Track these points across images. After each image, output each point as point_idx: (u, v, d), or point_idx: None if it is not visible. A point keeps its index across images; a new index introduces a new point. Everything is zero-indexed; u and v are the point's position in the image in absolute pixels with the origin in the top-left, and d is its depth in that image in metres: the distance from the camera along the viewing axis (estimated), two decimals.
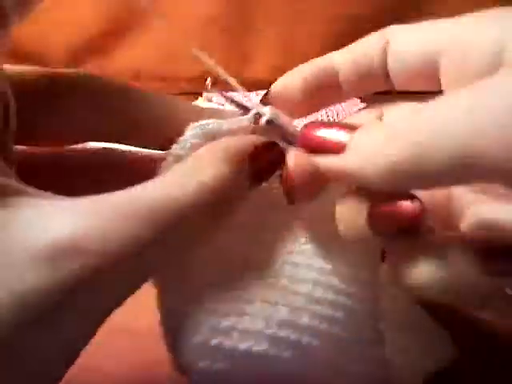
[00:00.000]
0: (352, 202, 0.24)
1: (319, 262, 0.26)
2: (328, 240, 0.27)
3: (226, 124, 0.27)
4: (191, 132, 0.26)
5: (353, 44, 0.29)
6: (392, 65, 0.27)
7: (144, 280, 0.21)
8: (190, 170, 0.23)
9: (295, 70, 0.29)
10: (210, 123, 0.26)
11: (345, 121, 0.29)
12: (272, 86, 0.29)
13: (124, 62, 0.83)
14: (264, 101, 0.29)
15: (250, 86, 0.77)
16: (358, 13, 0.74)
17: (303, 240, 0.27)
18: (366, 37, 0.29)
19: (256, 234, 0.27)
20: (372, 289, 0.27)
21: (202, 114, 0.29)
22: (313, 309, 0.25)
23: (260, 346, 0.24)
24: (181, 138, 0.26)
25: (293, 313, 0.25)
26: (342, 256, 0.27)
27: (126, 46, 0.78)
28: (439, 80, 0.26)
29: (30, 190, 0.20)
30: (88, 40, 0.76)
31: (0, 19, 0.22)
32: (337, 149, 0.23)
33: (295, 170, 0.25)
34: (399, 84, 0.28)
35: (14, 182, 0.20)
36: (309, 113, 0.30)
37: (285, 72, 0.29)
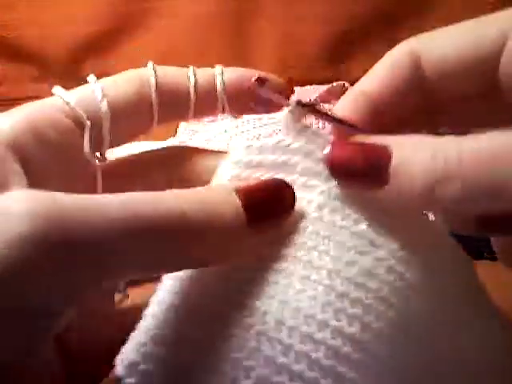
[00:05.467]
0: None
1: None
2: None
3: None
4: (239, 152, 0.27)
5: (373, 70, 0.29)
6: (436, 76, 0.27)
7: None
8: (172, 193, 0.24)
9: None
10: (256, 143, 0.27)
11: None
12: None
13: (124, 62, 0.83)
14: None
15: None
16: (356, 13, 0.74)
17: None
18: (383, 60, 0.29)
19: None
20: None
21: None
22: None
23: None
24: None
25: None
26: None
27: (126, 46, 0.78)
28: (495, 76, 0.26)
29: None
30: (88, 40, 0.76)
31: None
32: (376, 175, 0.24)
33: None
34: (445, 92, 0.28)
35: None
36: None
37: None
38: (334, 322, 0.23)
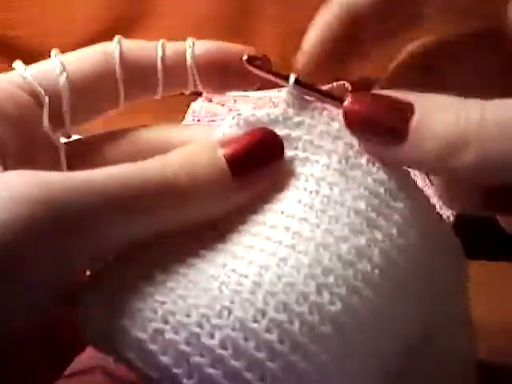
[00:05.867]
0: None
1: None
2: None
3: (258, 113, 0.26)
4: (227, 122, 0.26)
5: None
6: None
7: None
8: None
9: (310, 36, 0.26)
10: (245, 113, 0.26)
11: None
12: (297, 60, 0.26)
13: None
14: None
15: None
16: None
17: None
18: None
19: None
20: None
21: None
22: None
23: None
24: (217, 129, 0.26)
25: None
26: None
27: None
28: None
29: None
30: (89, 40, 0.76)
31: None
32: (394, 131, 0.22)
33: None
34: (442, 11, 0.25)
35: None
36: (336, 80, 0.28)
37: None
38: (314, 297, 0.21)
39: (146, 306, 0.22)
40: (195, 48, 0.28)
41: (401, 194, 0.24)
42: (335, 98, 0.25)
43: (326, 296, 0.22)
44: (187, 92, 0.29)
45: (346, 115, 0.24)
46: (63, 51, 0.30)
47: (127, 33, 0.86)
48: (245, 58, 0.26)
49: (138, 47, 0.28)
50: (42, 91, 0.26)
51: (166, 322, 0.22)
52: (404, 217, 0.24)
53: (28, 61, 0.26)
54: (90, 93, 0.27)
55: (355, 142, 0.25)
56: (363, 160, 0.25)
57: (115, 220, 0.21)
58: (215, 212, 0.24)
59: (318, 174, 0.25)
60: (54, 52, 0.28)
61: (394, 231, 0.24)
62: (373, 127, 0.23)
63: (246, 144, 0.24)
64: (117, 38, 0.28)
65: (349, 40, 0.25)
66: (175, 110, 0.65)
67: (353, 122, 0.24)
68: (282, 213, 0.24)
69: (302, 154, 0.25)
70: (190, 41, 0.28)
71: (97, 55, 0.28)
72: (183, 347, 0.21)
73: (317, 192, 0.24)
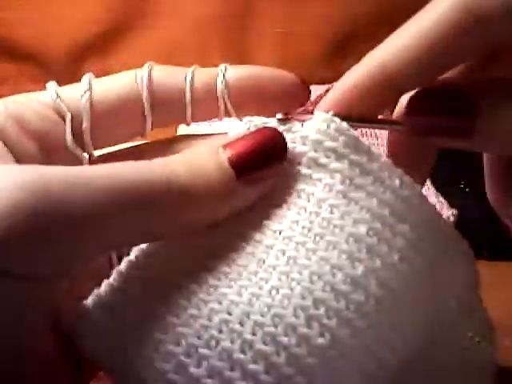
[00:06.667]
0: None
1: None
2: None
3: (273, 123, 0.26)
4: (238, 128, 0.26)
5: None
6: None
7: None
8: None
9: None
10: (256, 120, 0.25)
11: None
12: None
13: (124, 62, 0.82)
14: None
15: None
16: (357, 13, 0.74)
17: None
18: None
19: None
20: None
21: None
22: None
23: None
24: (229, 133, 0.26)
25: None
26: None
27: (127, 46, 0.77)
28: None
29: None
30: (88, 40, 0.76)
31: None
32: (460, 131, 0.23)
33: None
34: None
35: None
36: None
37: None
38: (303, 329, 0.21)
39: (137, 334, 0.22)
40: (229, 74, 0.27)
41: (408, 215, 0.24)
42: (390, 121, 0.26)
43: (315, 328, 0.21)
44: (220, 119, 0.28)
45: (407, 128, 0.24)
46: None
47: (127, 33, 0.87)
48: (278, 116, 0.25)
49: (167, 73, 0.28)
50: (65, 108, 0.26)
51: (156, 350, 0.22)
52: (408, 240, 0.23)
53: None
54: (115, 116, 0.27)
55: (363, 158, 0.24)
56: (369, 179, 0.24)
57: (110, 220, 0.21)
58: (218, 215, 0.23)
59: (320, 194, 0.24)
60: (86, 76, 0.28)
61: (396, 257, 0.23)
62: (439, 132, 0.24)
63: (249, 145, 0.24)
64: (148, 64, 0.28)
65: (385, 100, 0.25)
66: None
67: (417, 133, 0.24)
68: (280, 233, 0.24)
69: (304, 171, 0.25)
70: (222, 66, 0.27)
71: (125, 79, 0.28)
72: (172, 376, 0.21)
73: (317, 214, 0.24)
